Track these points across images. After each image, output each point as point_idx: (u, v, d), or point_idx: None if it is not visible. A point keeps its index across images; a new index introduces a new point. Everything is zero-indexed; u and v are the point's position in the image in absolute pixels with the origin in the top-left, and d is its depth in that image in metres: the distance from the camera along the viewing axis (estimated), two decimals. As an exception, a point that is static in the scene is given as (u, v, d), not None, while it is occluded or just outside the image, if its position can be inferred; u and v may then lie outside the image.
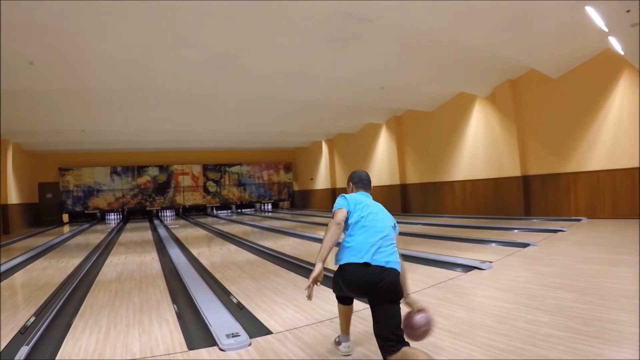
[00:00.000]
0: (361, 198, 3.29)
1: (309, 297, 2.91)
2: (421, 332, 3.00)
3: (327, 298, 4.52)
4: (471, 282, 5.35)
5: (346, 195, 3.31)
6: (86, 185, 24.81)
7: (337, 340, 3.50)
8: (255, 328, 3.98)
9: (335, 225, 3.01)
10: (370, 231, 3.03)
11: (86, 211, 24.71)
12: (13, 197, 18.24)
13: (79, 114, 14.98)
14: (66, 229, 19.13)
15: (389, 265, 2.89)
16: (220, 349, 3.44)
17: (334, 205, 3.23)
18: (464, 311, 4.15)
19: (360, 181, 3.51)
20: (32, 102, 12.91)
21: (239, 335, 3.61)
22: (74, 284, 6.27)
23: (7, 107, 12.88)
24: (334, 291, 3.35)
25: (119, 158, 25.58)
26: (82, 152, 24.19)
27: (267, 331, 3.89)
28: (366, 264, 2.87)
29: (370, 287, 2.84)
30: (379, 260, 2.89)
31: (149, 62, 10.23)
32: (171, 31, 8.63)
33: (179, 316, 4.46)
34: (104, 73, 10.57)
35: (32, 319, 4.51)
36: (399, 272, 2.95)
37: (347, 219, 3.13)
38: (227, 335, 3.61)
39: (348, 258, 2.96)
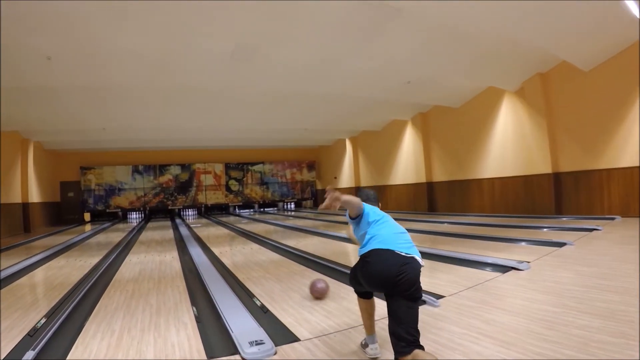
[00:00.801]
0: (375, 208, 3.33)
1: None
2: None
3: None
4: (510, 284, 5.03)
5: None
6: (107, 184, 24.90)
7: (363, 342, 3.28)
8: (281, 334, 3.68)
9: (357, 201, 3.11)
10: (392, 227, 3.11)
11: (107, 210, 24.81)
12: (34, 195, 18.33)
13: (99, 112, 14.97)
14: (87, 227, 19.17)
15: (413, 253, 2.90)
16: (243, 358, 3.14)
17: None
18: (507, 316, 3.83)
19: (367, 199, 3.46)
20: (51, 100, 12.91)
21: (263, 343, 3.30)
22: (90, 284, 6.06)
23: (26, 106, 13.09)
24: (352, 286, 3.33)
25: (141, 157, 25.65)
26: (104, 151, 24.33)
27: (294, 338, 3.59)
28: (391, 251, 2.87)
29: (391, 277, 2.76)
30: (403, 249, 2.90)
31: (168, 56, 10.04)
32: (190, 22, 8.37)
33: (198, 320, 4.17)
34: (122, 68, 10.44)
35: (43, 321, 4.30)
36: (421, 266, 2.92)
37: (363, 219, 3.16)
38: (250, 343, 3.29)
39: (373, 245, 2.96)
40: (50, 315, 4.52)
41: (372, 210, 3.17)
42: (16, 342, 3.69)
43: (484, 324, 3.64)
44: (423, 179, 18.26)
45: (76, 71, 10.31)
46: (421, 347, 2.60)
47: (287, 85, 13.14)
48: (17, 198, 16.60)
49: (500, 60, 11.69)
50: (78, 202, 24.11)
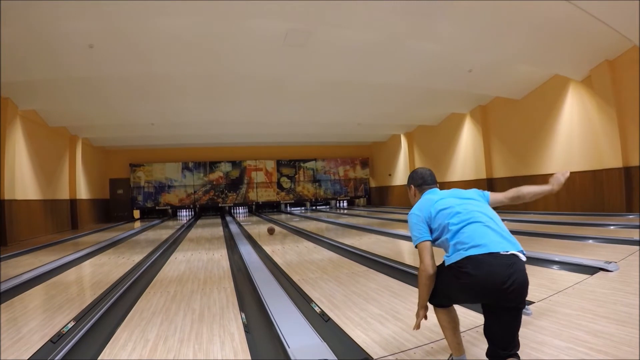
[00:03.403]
0: (434, 198, 2.73)
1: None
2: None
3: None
4: (603, 287, 4.44)
5: (417, 209, 2.73)
6: (157, 181, 25.03)
7: None
8: (348, 350, 3.07)
9: (426, 280, 2.51)
10: (475, 220, 2.48)
11: (157, 207, 24.96)
12: (82, 192, 18.49)
13: (146, 105, 14.94)
14: (137, 224, 19.27)
15: (513, 248, 2.33)
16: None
17: (411, 231, 2.67)
18: (614, 325, 3.24)
19: (424, 182, 2.95)
20: (97, 95, 12.95)
21: (327, 363, 2.67)
22: (128, 284, 5.64)
23: (72, 100, 13.23)
24: (435, 302, 2.64)
25: (191, 153, 25.73)
26: (153, 148, 24.54)
27: (364, 355, 2.97)
28: (493, 254, 2.29)
29: (497, 286, 2.23)
30: (502, 246, 2.33)
31: (215, 41, 9.67)
32: (239, 3, 7.85)
33: (247, 329, 3.60)
34: (165, 55, 10.18)
35: (71, 325, 3.85)
36: (525, 259, 2.36)
37: (431, 226, 2.61)
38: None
39: (466, 251, 2.35)
40: (80, 318, 4.08)
41: (438, 218, 2.58)
42: (35, 350, 3.26)
43: (590, 336, 3.08)
44: (483, 175, 17.53)
45: (119, 60, 10.14)
46: (516, 356, 2.26)
47: (342, 74, 12.58)
48: (64, 195, 16.73)
49: (567, 46, 10.91)
50: (127, 200, 24.33)
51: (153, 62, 10.44)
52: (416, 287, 4.51)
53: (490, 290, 2.26)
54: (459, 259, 2.36)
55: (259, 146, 26.45)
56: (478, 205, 2.63)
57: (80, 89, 12.13)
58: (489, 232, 2.39)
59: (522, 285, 2.25)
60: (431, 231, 2.60)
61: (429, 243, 2.55)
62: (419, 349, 3.03)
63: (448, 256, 2.46)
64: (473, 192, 2.81)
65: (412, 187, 2.98)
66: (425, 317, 2.57)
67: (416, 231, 2.61)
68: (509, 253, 2.29)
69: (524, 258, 2.34)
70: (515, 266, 2.25)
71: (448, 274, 2.45)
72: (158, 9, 7.79)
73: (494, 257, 2.27)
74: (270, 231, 10.05)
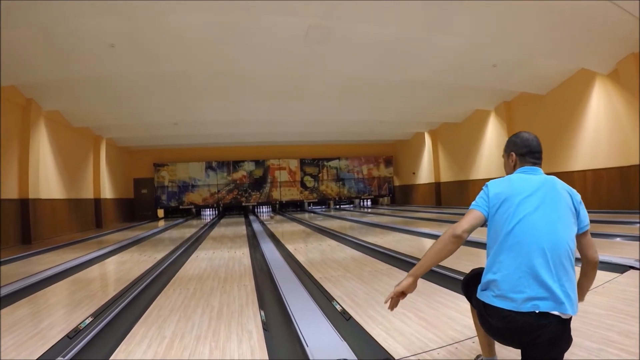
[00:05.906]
0: (520, 186, 2.23)
1: (390, 308, 2.36)
2: None
3: (464, 309, 3.51)
4: (634, 286, 4.29)
5: (496, 185, 2.28)
6: (181, 181, 25.21)
7: None
8: (369, 350, 2.97)
9: (449, 238, 2.13)
10: (526, 249, 2.04)
11: (181, 206, 25.13)
12: (107, 192, 18.73)
13: (168, 105, 14.97)
14: (160, 223, 19.37)
15: (560, 310, 1.95)
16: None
17: (477, 196, 2.30)
18: None
19: (529, 152, 2.36)
20: (119, 95, 13.07)
21: (346, 363, 2.58)
22: (148, 281, 5.63)
23: (94, 101, 13.36)
24: (468, 297, 2.47)
25: (214, 153, 25.85)
26: (177, 148, 24.70)
27: (385, 355, 2.86)
28: (517, 314, 1.96)
29: (519, 339, 2.02)
30: (543, 303, 1.95)
31: (237, 38, 9.56)
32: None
33: (266, 327, 3.52)
34: (187, 54, 10.14)
35: (89, 320, 3.85)
36: (571, 316, 2.00)
37: (488, 221, 2.20)
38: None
39: (491, 296, 2.07)
40: (98, 314, 4.06)
41: (502, 208, 2.15)
42: (51, 345, 3.25)
43: (622, 337, 2.96)
44: (509, 173, 17.14)
45: (140, 60, 10.16)
46: None
47: (364, 71, 12.41)
48: (89, 194, 16.93)
49: (593, 38, 10.60)
50: (151, 199, 24.57)
51: (175, 61, 10.45)
52: (442, 286, 4.44)
53: (514, 342, 2.07)
54: (485, 301, 2.11)
55: (282, 145, 26.43)
56: (554, 230, 2.13)
57: (103, 89, 12.22)
58: (529, 284, 1.99)
59: (552, 340, 1.95)
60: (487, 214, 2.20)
61: (481, 215, 2.18)
62: (442, 349, 2.91)
63: (481, 289, 2.17)
64: (567, 207, 2.32)
65: (514, 155, 2.41)
66: (404, 295, 2.32)
67: (479, 199, 2.25)
68: (545, 314, 1.95)
69: (566, 317, 1.98)
70: (545, 329, 1.93)
71: (477, 304, 2.20)
72: (180, 7, 7.74)
73: (522, 315, 1.95)
74: (271, 217, 10.32)
